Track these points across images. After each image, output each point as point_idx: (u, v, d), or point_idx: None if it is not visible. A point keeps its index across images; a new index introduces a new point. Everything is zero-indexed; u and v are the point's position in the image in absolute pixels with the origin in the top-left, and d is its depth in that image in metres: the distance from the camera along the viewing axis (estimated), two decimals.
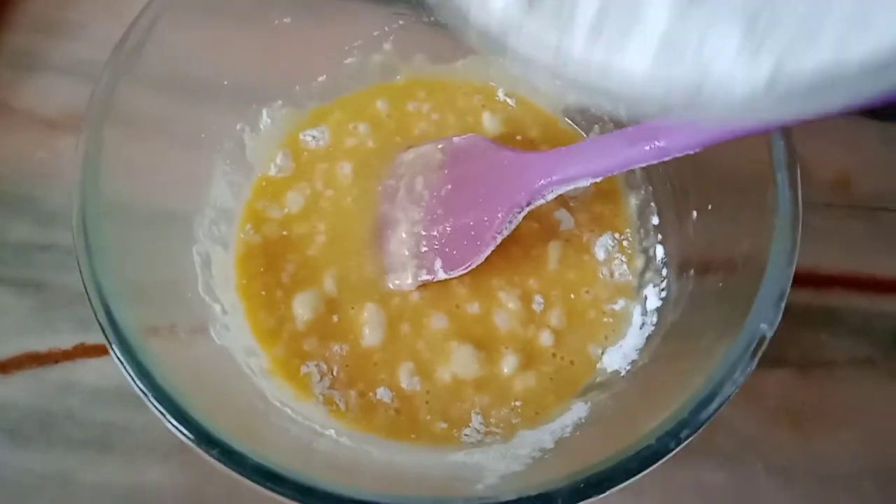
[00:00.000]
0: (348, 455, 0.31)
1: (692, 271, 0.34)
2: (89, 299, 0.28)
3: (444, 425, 0.34)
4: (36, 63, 0.46)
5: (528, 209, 0.36)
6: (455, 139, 0.40)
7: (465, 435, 0.34)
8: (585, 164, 0.34)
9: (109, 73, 0.31)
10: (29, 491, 0.36)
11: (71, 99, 0.45)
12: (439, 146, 0.40)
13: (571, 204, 0.40)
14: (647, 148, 0.31)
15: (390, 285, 0.38)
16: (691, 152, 0.30)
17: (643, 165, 0.33)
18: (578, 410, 0.34)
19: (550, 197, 0.36)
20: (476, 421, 0.34)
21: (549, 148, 0.41)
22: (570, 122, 0.43)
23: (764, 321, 0.27)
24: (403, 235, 0.38)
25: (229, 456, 0.25)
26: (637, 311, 0.37)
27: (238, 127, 0.39)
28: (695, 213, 0.36)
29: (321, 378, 0.35)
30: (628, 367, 0.35)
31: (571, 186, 0.35)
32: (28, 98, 0.45)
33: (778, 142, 0.30)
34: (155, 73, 0.33)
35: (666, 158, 0.31)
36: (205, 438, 0.25)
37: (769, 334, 0.27)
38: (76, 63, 0.46)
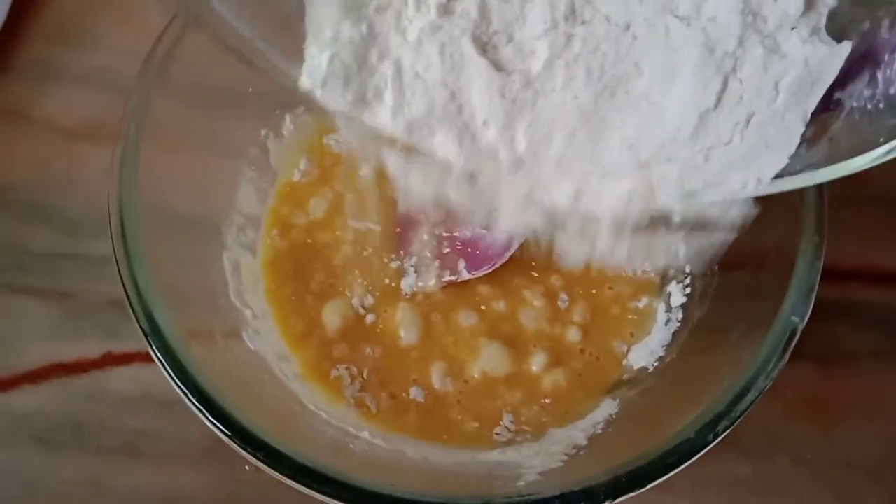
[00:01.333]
0: (384, 455, 0.31)
1: (717, 266, 0.35)
2: (131, 305, 0.28)
3: (476, 425, 0.35)
4: (53, 73, 0.46)
5: None
6: None
7: (497, 434, 0.34)
8: None
9: (141, 85, 0.32)
10: (61, 498, 0.36)
11: (89, 108, 0.45)
12: None
13: None
14: None
15: (415, 287, 0.38)
16: None
17: None
18: (608, 407, 0.34)
19: None
20: (507, 419, 0.35)
21: None
22: None
23: (796, 314, 0.28)
24: (425, 237, 0.38)
25: (274, 457, 0.26)
26: (661, 308, 0.37)
27: (263, 133, 0.40)
28: None
29: (351, 381, 0.36)
30: (656, 364, 0.35)
31: None
32: (47, 108, 0.45)
33: None
34: (183, 84, 0.33)
35: None
36: (250, 441, 0.26)
37: (801, 327, 0.28)
38: (93, 72, 0.46)
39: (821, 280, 0.39)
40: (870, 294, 0.41)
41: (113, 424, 0.38)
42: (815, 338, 0.40)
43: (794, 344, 0.28)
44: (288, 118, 0.40)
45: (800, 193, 0.30)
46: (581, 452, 0.30)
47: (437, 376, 0.36)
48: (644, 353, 0.36)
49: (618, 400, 0.34)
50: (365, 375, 0.36)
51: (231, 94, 0.38)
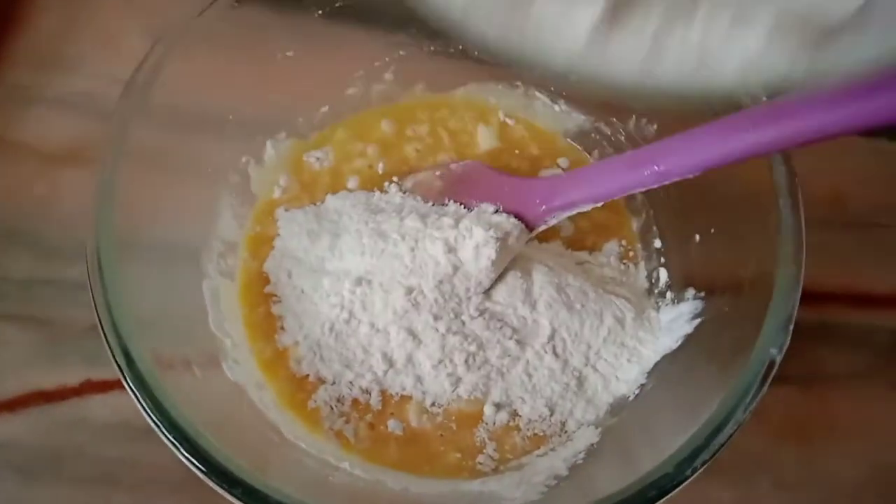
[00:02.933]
0: (365, 487, 0.31)
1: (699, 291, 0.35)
2: (104, 335, 0.28)
3: (458, 455, 0.34)
4: (33, 97, 0.46)
5: (531, 235, 0.37)
6: (452, 166, 0.40)
7: (480, 463, 0.34)
8: (587, 188, 0.35)
9: (121, 112, 0.32)
10: None
11: (69, 132, 0.45)
12: (437, 173, 0.40)
13: (571, 232, 0.40)
14: (647, 172, 0.32)
15: None
16: (691, 176, 0.31)
17: (644, 190, 0.33)
18: (590, 436, 0.34)
19: (552, 222, 0.36)
20: (490, 448, 0.35)
21: (550, 162, 0.42)
22: (570, 141, 0.43)
23: (773, 346, 0.28)
24: None
25: (252, 495, 0.25)
26: None
27: (243, 160, 0.39)
28: (697, 237, 0.36)
29: (331, 411, 0.35)
30: (637, 392, 0.35)
31: (573, 211, 0.36)
32: (26, 132, 0.45)
33: (779, 166, 0.31)
34: (163, 111, 0.33)
35: (666, 182, 0.32)
36: (226, 479, 0.25)
37: (779, 359, 0.28)
38: (73, 96, 0.46)
39: (802, 303, 0.40)
40: (848, 316, 0.42)
41: (92, 453, 0.37)
42: (797, 360, 0.40)
43: (772, 375, 0.28)
44: (269, 144, 0.40)
45: (777, 223, 0.30)
46: (561, 483, 0.30)
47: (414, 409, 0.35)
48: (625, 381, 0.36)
49: (599, 428, 0.34)
50: (345, 405, 0.35)
51: (212, 121, 0.38)
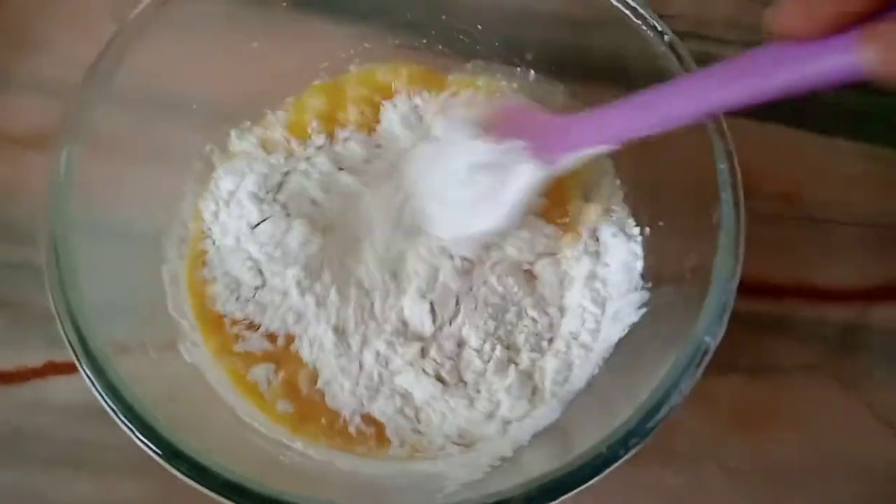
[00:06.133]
0: (314, 467, 0.32)
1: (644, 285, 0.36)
2: (59, 318, 0.28)
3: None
4: (1, 81, 0.46)
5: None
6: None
7: (429, 442, 0.35)
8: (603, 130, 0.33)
9: (81, 95, 0.32)
10: None
11: (38, 117, 0.45)
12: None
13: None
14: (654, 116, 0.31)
15: None
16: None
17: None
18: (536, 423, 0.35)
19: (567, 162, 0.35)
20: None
21: None
22: None
23: (708, 334, 0.29)
24: None
25: (198, 471, 0.26)
26: None
27: (207, 148, 0.40)
28: (647, 230, 0.37)
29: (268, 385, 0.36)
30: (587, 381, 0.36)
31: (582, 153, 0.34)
32: None
33: (722, 164, 0.32)
34: (126, 96, 0.34)
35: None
36: (173, 454, 0.26)
37: (713, 346, 0.29)
38: (42, 81, 0.46)
39: (751, 296, 0.41)
40: (798, 309, 0.43)
41: (54, 434, 0.38)
42: (746, 351, 0.42)
43: (706, 361, 0.29)
44: (233, 133, 0.41)
45: (718, 217, 0.31)
46: (504, 465, 0.31)
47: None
48: None
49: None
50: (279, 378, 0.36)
51: (176, 108, 0.38)
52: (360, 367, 0.36)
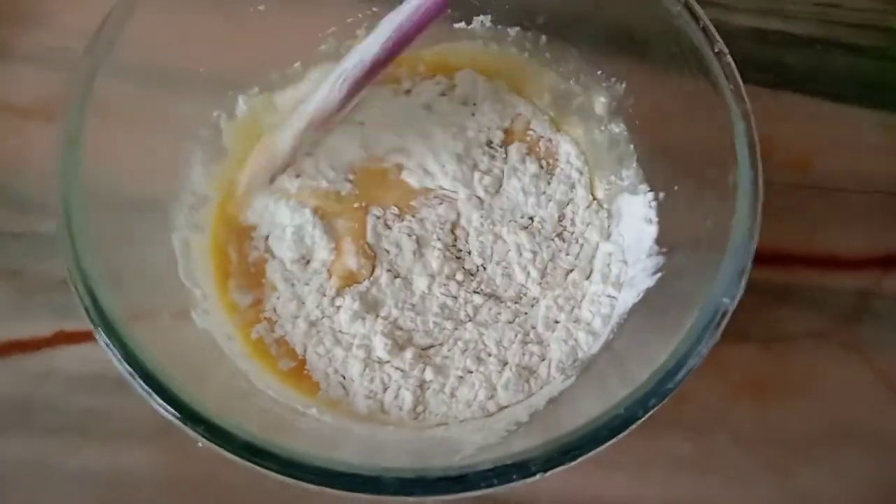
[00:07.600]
0: (330, 432, 0.32)
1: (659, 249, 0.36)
2: (74, 286, 0.28)
3: None
4: (4, 52, 0.46)
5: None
6: None
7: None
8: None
9: (87, 63, 0.32)
10: (7, 478, 0.37)
11: (41, 87, 0.44)
12: None
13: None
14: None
15: None
16: None
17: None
18: (553, 388, 0.35)
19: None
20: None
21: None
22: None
23: (726, 295, 0.29)
24: None
25: (215, 432, 0.26)
26: None
27: (215, 114, 0.39)
28: (662, 195, 0.37)
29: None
30: (601, 345, 0.36)
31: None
32: None
33: (739, 124, 0.32)
34: (132, 63, 0.33)
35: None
36: (191, 416, 0.26)
37: (731, 308, 0.29)
38: (45, 52, 0.46)
39: (763, 265, 0.41)
40: (809, 278, 0.43)
41: (63, 403, 0.38)
42: (757, 319, 0.42)
43: (724, 324, 0.29)
44: (241, 99, 0.40)
45: (735, 179, 0.31)
46: (521, 429, 0.31)
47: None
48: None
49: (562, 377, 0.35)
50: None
51: (182, 75, 0.38)
52: None
